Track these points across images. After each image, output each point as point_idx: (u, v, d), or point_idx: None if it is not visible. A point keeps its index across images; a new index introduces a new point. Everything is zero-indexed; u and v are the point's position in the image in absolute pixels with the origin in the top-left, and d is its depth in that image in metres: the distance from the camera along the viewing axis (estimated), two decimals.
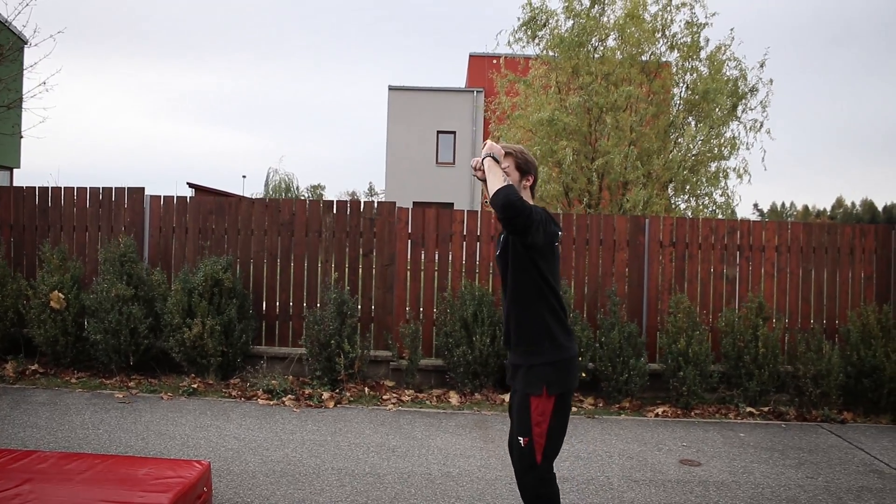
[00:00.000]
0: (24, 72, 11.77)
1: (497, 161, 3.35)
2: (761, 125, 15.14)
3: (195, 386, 7.22)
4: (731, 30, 16.35)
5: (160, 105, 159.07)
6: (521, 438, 3.31)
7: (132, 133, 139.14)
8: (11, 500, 3.54)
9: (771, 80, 15.23)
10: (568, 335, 3.41)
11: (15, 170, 23.76)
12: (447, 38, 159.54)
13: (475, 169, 3.45)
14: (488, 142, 3.45)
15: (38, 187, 8.43)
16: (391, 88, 32.96)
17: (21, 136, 12.52)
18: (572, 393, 3.45)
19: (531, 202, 3.42)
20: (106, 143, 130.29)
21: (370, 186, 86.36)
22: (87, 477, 3.92)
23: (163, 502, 3.58)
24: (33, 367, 7.58)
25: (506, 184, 3.23)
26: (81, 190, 8.36)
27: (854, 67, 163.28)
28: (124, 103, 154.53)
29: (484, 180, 3.40)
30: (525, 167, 3.48)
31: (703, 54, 15.00)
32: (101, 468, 4.07)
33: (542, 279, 3.33)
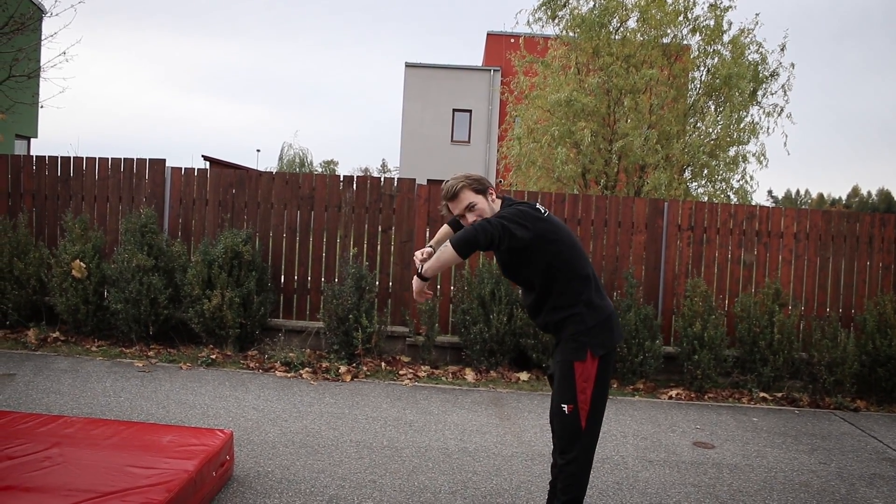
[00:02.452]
0: (43, 42, 11.82)
1: (420, 274, 3.37)
2: (782, 110, 15.03)
3: (213, 357, 7.30)
4: (757, 14, 16.13)
5: (174, 77, 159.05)
6: (564, 406, 3.34)
7: (146, 104, 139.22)
8: (41, 463, 3.62)
9: (792, 64, 15.10)
10: (601, 295, 3.45)
11: (32, 140, 23.90)
12: (465, 16, 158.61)
13: (422, 294, 3.43)
14: (414, 285, 3.42)
15: (60, 157, 8.49)
16: (408, 65, 32.84)
17: (41, 107, 12.61)
18: (616, 351, 3.49)
19: (496, 206, 3.48)
20: (120, 114, 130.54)
21: (383, 163, 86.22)
22: (114, 442, 3.99)
23: (188, 469, 3.65)
24: (55, 335, 7.67)
25: (444, 250, 3.25)
26: (103, 160, 8.41)
27: (871, 57, 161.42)
28: (136, 74, 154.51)
29: (429, 277, 3.41)
30: (479, 186, 3.47)
31: (725, 38, 14.86)
32: (126, 434, 4.15)
33: (554, 267, 3.37)
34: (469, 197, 3.44)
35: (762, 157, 14.98)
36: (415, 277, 3.40)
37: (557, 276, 3.39)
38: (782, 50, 15.00)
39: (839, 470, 5.23)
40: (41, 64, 11.38)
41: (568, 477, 3.40)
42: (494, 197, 3.51)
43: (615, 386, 7.32)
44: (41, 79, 11.43)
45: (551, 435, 3.57)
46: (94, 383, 6.31)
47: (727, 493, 4.62)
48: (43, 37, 11.77)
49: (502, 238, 3.22)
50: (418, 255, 3.56)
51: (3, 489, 3.30)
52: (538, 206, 3.45)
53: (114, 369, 6.81)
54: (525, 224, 3.28)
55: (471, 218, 3.44)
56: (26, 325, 7.85)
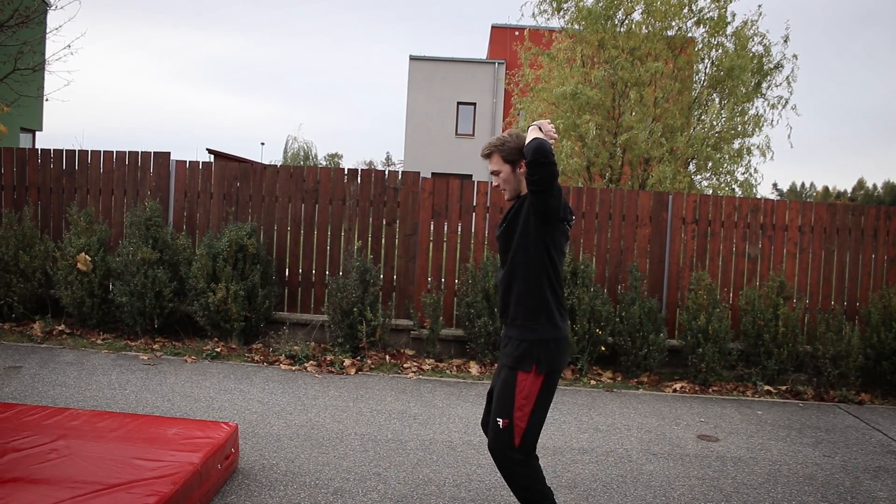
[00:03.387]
0: (48, 35, 11.83)
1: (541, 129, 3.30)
2: (786, 102, 14.98)
3: (218, 350, 7.32)
4: (759, 6, 16.05)
5: (177, 70, 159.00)
6: (499, 420, 3.28)
7: (150, 98, 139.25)
8: (48, 455, 3.64)
9: (795, 56, 15.04)
10: (563, 315, 3.39)
11: (37, 133, 23.93)
12: (469, 8, 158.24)
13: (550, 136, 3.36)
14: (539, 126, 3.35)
15: (65, 150, 8.50)
16: (412, 58, 32.83)
17: (46, 100, 12.62)
18: (559, 374, 3.41)
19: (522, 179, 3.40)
20: (123, 107, 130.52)
21: (387, 156, 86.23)
22: (119, 435, 4.01)
23: (193, 461, 3.67)
24: (60, 328, 7.70)
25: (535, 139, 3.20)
26: (108, 153, 8.42)
27: (878, 47, 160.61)
28: (141, 68, 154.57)
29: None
30: (511, 155, 3.40)
31: (729, 30, 14.81)
32: (131, 427, 4.17)
33: (548, 255, 3.31)
34: (496, 163, 3.42)
35: (767, 150, 14.94)
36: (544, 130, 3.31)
37: (541, 274, 3.32)
38: (785, 41, 14.98)
39: (843, 463, 5.23)
40: (46, 57, 11.40)
41: (520, 490, 3.35)
42: (524, 170, 3.33)
43: (619, 379, 7.33)
44: (46, 72, 11.45)
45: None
46: (100, 376, 6.33)
47: (731, 486, 4.63)
48: (48, 30, 11.79)
49: (558, 190, 3.22)
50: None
51: (10, 481, 3.32)
52: None
53: (119, 362, 6.83)
54: (561, 194, 3.28)
55: (494, 182, 3.46)
56: (32, 318, 7.88)
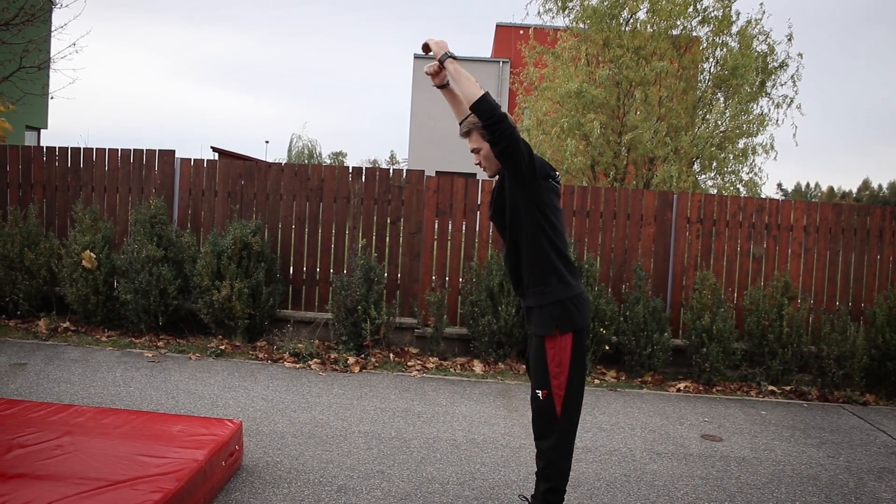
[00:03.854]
0: (53, 33, 11.84)
1: (455, 58, 3.27)
2: (791, 101, 14.94)
3: (223, 347, 7.33)
4: (761, 4, 15.97)
5: (180, 69, 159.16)
6: (538, 392, 3.32)
7: (154, 97, 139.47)
8: (53, 451, 3.64)
9: (800, 55, 14.99)
10: (572, 273, 3.40)
11: (43, 131, 23.98)
12: (473, 7, 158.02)
13: (433, 75, 3.37)
14: (431, 40, 3.31)
15: (70, 148, 8.52)
16: (417, 57, 32.82)
17: (51, 98, 12.65)
18: (587, 332, 3.44)
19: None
20: (127, 105, 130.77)
21: (391, 155, 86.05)
22: (124, 432, 4.02)
23: (197, 458, 3.67)
24: (65, 325, 7.72)
25: (474, 85, 3.17)
26: (112, 151, 8.44)
27: (883, 47, 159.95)
28: (146, 66, 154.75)
29: (444, 86, 3.39)
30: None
31: (733, 29, 14.78)
32: (136, 423, 4.18)
33: (542, 215, 3.30)
34: (476, 141, 3.41)
35: (771, 149, 14.91)
36: (444, 48, 3.29)
37: (540, 235, 3.32)
38: (789, 40, 14.90)
39: (847, 464, 5.22)
40: (51, 55, 11.42)
41: (548, 466, 3.39)
42: None
43: (623, 379, 7.32)
44: (51, 70, 11.47)
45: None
46: (105, 373, 6.34)
47: (735, 486, 4.62)
48: (53, 28, 11.80)
49: (517, 139, 3.16)
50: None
51: (15, 477, 3.33)
52: None
53: (123, 359, 6.84)
54: (532, 156, 3.25)
55: (475, 160, 3.47)
56: (37, 315, 7.90)
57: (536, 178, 3.28)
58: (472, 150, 3.43)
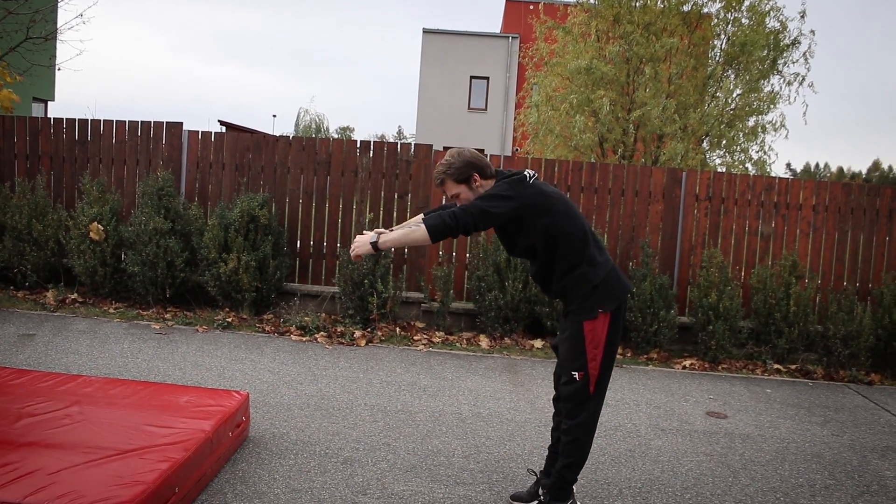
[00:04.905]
0: (60, 4, 11.80)
1: (375, 244, 3.37)
2: (803, 78, 14.82)
3: (229, 320, 7.36)
4: None
5: (190, 42, 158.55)
6: (575, 373, 3.38)
7: (163, 69, 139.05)
8: (61, 420, 3.67)
9: (812, 31, 14.83)
10: (601, 251, 3.48)
11: (50, 103, 23.96)
12: None
13: (358, 257, 3.46)
14: (353, 251, 3.42)
15: (78, 119, 8.50)
16: (426, 31, 32.65)
17: (58, 69, 12.62)
18: (626, 303, 3.53)
19: (483, 191, 3.42)
20: (135, 78, 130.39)
21: (399, 130, 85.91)
22: (132, 402, 4.05)
23: (205, 429, 3.70)
24: (73, 297, 7.75)
25: (417, 229, 3.30)
26: (120, 123, 8.42)
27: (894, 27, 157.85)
28: (154, 38, 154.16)
29: (382, 250, 3.47)
30: (461, 176, 3.43)
31: (745, 4, 14.63)
32: (144, 394, 4.21)
33: (550, 235, 3.38)
34: (452, 188, 3.46)
35: (781, 126, 14.82)
36: (366, 239, 3.39)
37: (558, 241, 3.38)
38: (802, 17, 14.73)
39: (852, 442, 5.23)
40: (58, 26, 11.38)
41: (572, 441, 3.45)
42: (480, 182, 3.44)
43: (629, 355, 7.34)
44: (58, 41, 11.44)
45: (553, 397, 3.66)
46: (112, 344, 6.38)
47: (739, 463, 4.64)
48: None
49: (478, 223, 3.26)
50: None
51: (24, 445, 3.36)
52: (527, 172, 3.43)
53: (131, 331, 6.88)
54: (508, 195, 3.29)
55: (456, 203, 3.50)
56: (45, 287, 7.93)
57: (527, 215, 3.35)
58: (452, 197, 3.49)
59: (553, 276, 3.47)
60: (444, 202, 7.99)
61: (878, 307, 7.52)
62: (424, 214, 3.66)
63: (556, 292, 3.52)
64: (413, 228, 3.35)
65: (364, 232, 3.53)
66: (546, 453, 3.81)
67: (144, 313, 7.51)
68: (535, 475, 3.77)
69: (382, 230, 3.44)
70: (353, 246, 3.42)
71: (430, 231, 3.24)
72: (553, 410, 3.72)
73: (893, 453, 5.04)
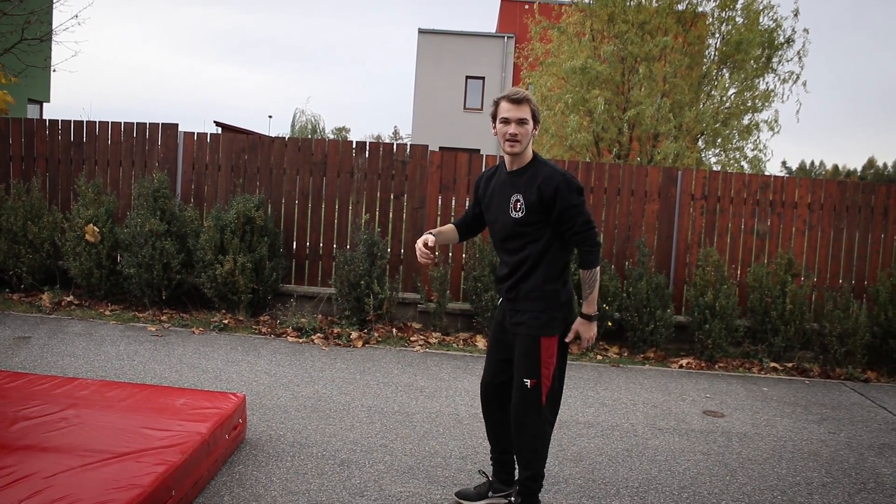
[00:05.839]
0: (55, 5, 11.77)
1: (588, 316, 3.44)
2: (797, 77, 14.84)
3: (226, 322, 7.35)
4: None
5: (186, 43, 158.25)
6: (527, 381, 3.36)
7: (157, 71, 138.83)
8: (57, 423, 3.67)
9: (806, 30, 14.88)
10: (568, 276, 3.52)
11: (45, 104, 23.89)
12: None
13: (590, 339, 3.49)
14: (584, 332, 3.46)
15: (73, 121, 8.48)
16: (421, 31, 32.66)
17: (53, 71, 12.60)
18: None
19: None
20: (130, 79, 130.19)
21: (395, 130, 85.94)
22: (128, 405, 4.04)
23: (201, 431, 3.69)
24: (68, 299, 7.73)
25: (596, 279, 3.38)
26: (116, 125, 8.41)
27: (890, 25, 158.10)
28: (148, 40, 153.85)
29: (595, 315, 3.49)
30: (536, 115, 3.38)
31: (739, 3, 14.66)
32: (140, 397, 4.20)
33: (559, 236, 3.41)
34: (526, 112, 3.31)
35: (775, 124, 14.84)
36: (585, 322, 3.44)
37: (559, 247, 3.41)
38: (795, 15, 14.77)
39: (848, 440, 5.24)
40: (53, 27, 11.36)
41: (529, 452, 3.46)
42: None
43: (625, 355, 7.34)
44: (53, 42, 11.41)
45: (482, 413, 3.75)
46: (108, 347, 6.37)
47: (736, 461, 4.64)
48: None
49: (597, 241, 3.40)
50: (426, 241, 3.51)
51: (21, 448, 3.35)
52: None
53: (127, 333, 6.87)
54: (581, 193, 3.37)
55: (511, 129, 3.30)
56: (40, 289, 7.92)
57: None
58: (518, 120, 3.31)
59: (532, 275, 3.40)
60: (438, 202, 8.01)
61: (873, 305, 7.53)
62: (455, 224, 3.76)
63: (521, 294, 3.43)
64: (593, 279, 3.37)
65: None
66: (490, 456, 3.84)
67: (140, 315, 7.49)
68: (487, 477, 3.78)
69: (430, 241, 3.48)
70: (583, 338, 3.47)
71: (598, 263, 3.38)
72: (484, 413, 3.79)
73: (890, 451, 5.05)
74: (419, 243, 3.46)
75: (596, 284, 3.36)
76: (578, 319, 3.42)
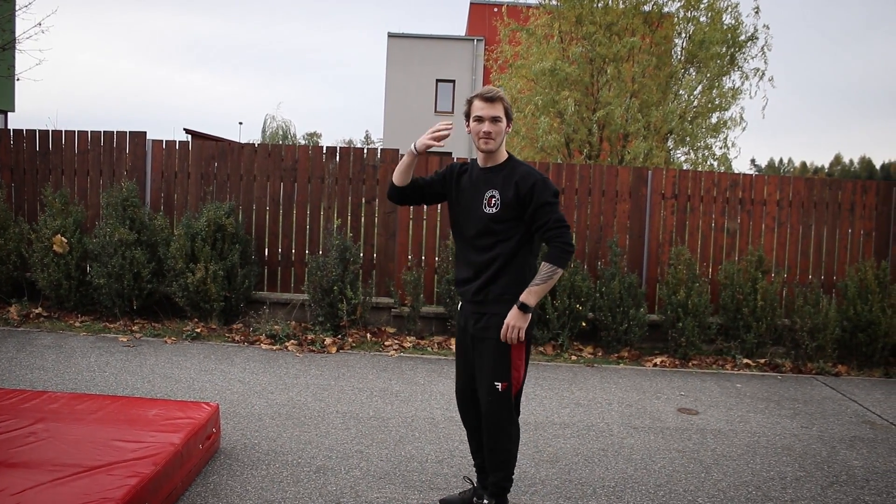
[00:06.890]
0: (18, 13, 11.60)
1: (526, 306, 3.29)
2: (763, 73, 14.99)
3: (198, 330, 7.28)
4: None
5: (153, 48, 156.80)
6: (498, 384, 3.36)
7: (125, 77, 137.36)
8: (26, 439, 3.60)
9: (766, 26, 15.02)
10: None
11: (10, 113, 23.55)
12: None
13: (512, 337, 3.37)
14: (513, 321, 3.30)
15: (39, 130, 8.37)
16: (391, 35, 32.65)
17: (17, 79, 12.41)
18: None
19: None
20: (99, 86, 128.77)
21: (367, 134, 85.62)
22: (99, 417, 3.98)
23: (174, 442, 3.65)
24: (37, 311, 7.62)
25: (553, 275, 3.28)
26: (83, 133, 8.30)
27: (854, 25, 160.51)
28: (115, 46, 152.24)
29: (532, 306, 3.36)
30: (510, 112, 3.40)
31: (703, 3, 14.79)
32: (111, 409, 4.14)
33: (530, 235, 3.41)
34: (499, 110, 3.33)
35: (741, 119, 15.00)
36: (517, 314, 3.29)
37: (528, 251, 3.42)
38: (756, 13, 14.94)
39: (820, 433, 5.30)
40: (16, 35, 11.19)
41: (500, 453, 3.46)
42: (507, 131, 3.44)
43: (600, 355, 7.37)
44: (17, 51, 11.24)
45: (461, 420, 3.74)
46: (79, 359, 6.28)
47: (711, 458, 4.67)
48: (17, 7, 11.56)
49: (570, 241, 3.33)
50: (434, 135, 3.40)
51: None
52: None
53: (98, 344, 6.78)
54: (556, 193, 3.37)
55: (485, 127, 3.31)
56: (8, 302, 7.80)
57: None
58: (492, 119, 3.32)
59: (502, 277, 3.39)
60: (410, 207, 7.97)
61: (842, 299, 7.64)
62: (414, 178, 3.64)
63: (490, 297, 3.40)
64: (551, 276, 3.26)
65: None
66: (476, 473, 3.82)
67: (111, 326, 7.40)
68: (472, 483, 3.78)
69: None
70: (507, 325, 3.32)
71: (564, 265, 3.29)
72: (462, 424, 3.80)
73: (861, 443, 5.11)
74: (431, 130, 3.38)
75: (549, 282, 3.28)
76: (514, 308, 3.30)
